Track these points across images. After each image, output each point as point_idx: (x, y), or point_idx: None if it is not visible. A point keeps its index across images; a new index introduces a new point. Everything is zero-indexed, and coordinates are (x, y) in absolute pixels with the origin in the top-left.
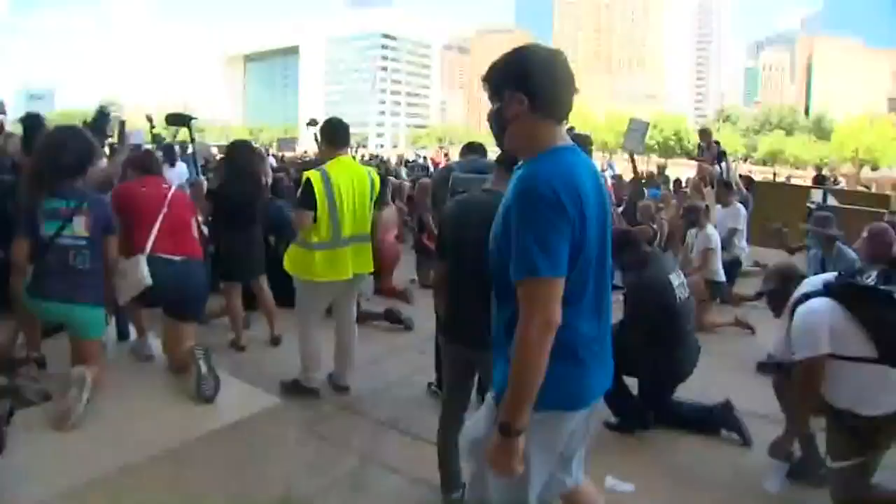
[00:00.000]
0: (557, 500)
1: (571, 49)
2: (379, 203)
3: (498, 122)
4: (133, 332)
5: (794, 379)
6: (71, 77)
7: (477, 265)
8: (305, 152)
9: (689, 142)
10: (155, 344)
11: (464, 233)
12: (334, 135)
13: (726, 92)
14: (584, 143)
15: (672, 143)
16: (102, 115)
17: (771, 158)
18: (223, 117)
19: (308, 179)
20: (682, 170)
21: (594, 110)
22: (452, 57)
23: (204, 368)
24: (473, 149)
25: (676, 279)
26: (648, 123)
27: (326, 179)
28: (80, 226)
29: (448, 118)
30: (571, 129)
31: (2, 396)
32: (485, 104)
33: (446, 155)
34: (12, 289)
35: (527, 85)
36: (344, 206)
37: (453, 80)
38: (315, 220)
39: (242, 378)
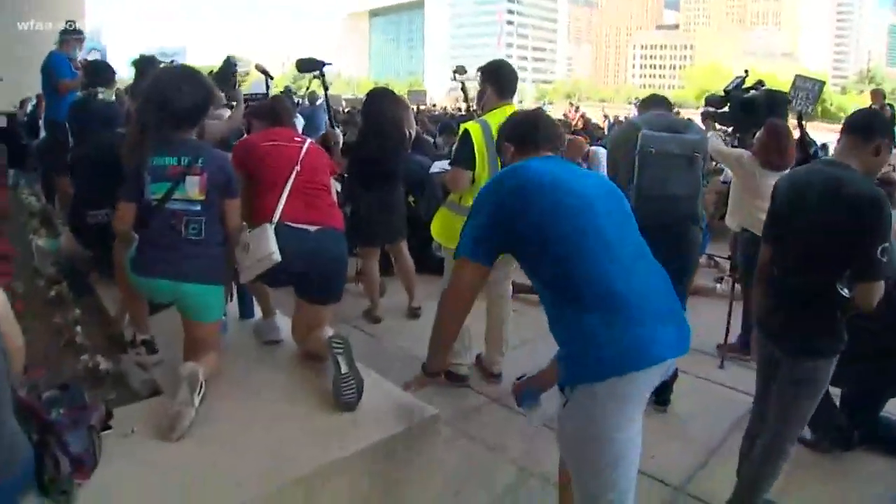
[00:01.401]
0: None
1: (703, 5)
2: None
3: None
4: (258, 311)
5: None
6: (199, 35)
7: (807, 254)
8: (434, 105)
9: (831, 104)
10: (284, 324)
11: (798, 214)
12: (503, 80)
13: (870, 51)
14: (660, 103)
15: None
16: (229, 65)
17: None
18: (347, 72)
19: (466, 132)
20: (824, 134)
21: (727, 68)
22: (579, 11)
23: (344, 367)
24: (657, 102)
25: None
26: (823, 83)
27: (488, 133)
28: (193, 187)
29: (574, 74)
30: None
31: (105, 384)
32: (612, 59)
33: (577, 110)
34: (115, 261)
35: (511, 136)
36: None
37: (580, 35)
38: (473, 180)
39: (378, 357)
